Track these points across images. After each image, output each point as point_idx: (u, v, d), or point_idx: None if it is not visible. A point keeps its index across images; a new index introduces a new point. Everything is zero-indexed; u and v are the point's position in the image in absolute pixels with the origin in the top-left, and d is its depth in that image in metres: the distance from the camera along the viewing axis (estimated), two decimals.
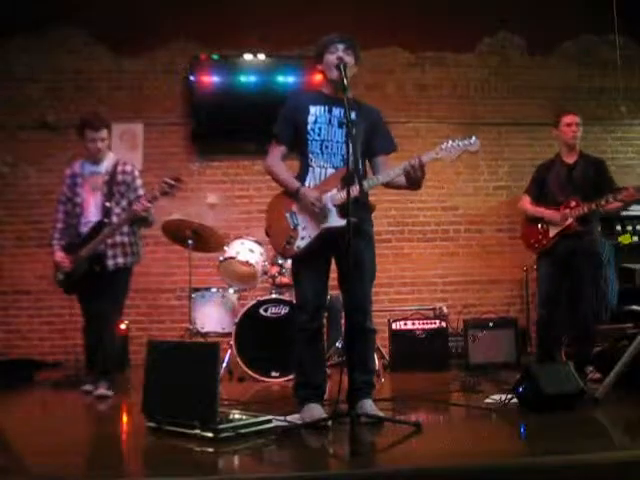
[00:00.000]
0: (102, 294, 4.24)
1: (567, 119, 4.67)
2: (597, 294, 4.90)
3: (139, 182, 4.42)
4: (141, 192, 4.39)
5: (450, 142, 3.05)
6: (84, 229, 4.30)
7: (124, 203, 4.35)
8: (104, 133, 4.33)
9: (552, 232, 4.63)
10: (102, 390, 4.14)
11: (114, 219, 4.27)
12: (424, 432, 2.84)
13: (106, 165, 4.39)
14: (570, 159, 4.70)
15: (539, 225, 4.70)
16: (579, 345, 4.56)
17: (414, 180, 3.07)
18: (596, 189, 4.49)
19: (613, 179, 4.63)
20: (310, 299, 3.20)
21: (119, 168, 4.39)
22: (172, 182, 4.08)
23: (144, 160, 6.28)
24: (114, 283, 4.30)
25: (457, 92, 6.73)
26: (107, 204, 4.28)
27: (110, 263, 4.27)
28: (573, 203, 4.53)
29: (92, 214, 4.30)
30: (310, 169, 3.21)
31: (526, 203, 4.83)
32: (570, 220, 4.51)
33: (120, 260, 4.31)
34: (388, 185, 3.21)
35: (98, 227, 4.25)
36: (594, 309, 4.63)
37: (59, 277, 4.39)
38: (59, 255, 4.31)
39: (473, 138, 3.05)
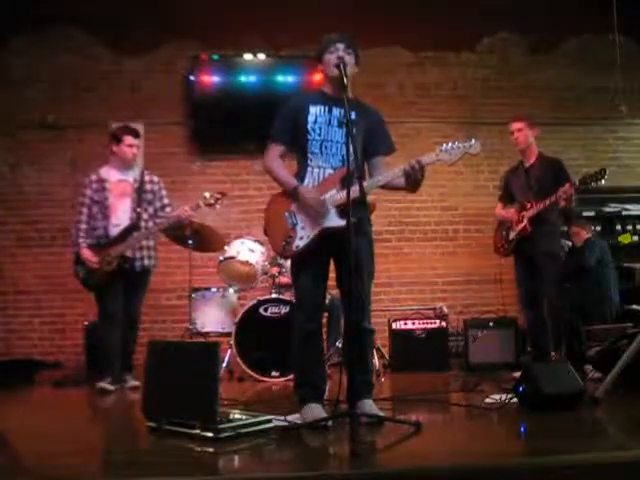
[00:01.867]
0: (128, 294, 4.54)
1: (509, 128, 4.75)
2: (594, 294, 4.96)
3: (164, 192, 4.76)
4: (166, 201, 4.74)
5: (450, 144, 3.00)
6: (114, 230, 4.54)
7: (151, 210, 4.67)
8: (139, 142, 4.71)
9: (511, 235, 4.69)
10: (134, 382, 4.43)
11: (143, 224, 4.53)
12: (424, 432, 2.84)
13: (134, 173, 4.69)
14: (527, 162, 4.76)
15: (503, 230, 4.81)
16: (565, 343, 4.59)
17: (413, 182, 3.05)
18: (555, 190, 4.45)
19: (570, 177, 4.53)
20: (309, 299, 3.19)
21: (147, 177, 4.71)
22: (218, 196, 4.55)
23: (144, 160, 6.28)
24: (140, 284, 4.65)
25: (458, 92, 6.74)
26: (138, 209, 4.58)
27: (137, 264, 4.57)
28: (528, 205, 4.58)
29: (121, 218, 4.57)
30: (309, 169, 3.19)
31: (497, 209, 4.94)
32: (524, 222, 4.54)
33: (146, 262, 4.62)
34: (386, 186, 3.18)
35: (129, 230, 4.53)
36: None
37: (81, 274, 4.57)
38: (87, 252, 4.52)
39: (473, 140, 3.00)
